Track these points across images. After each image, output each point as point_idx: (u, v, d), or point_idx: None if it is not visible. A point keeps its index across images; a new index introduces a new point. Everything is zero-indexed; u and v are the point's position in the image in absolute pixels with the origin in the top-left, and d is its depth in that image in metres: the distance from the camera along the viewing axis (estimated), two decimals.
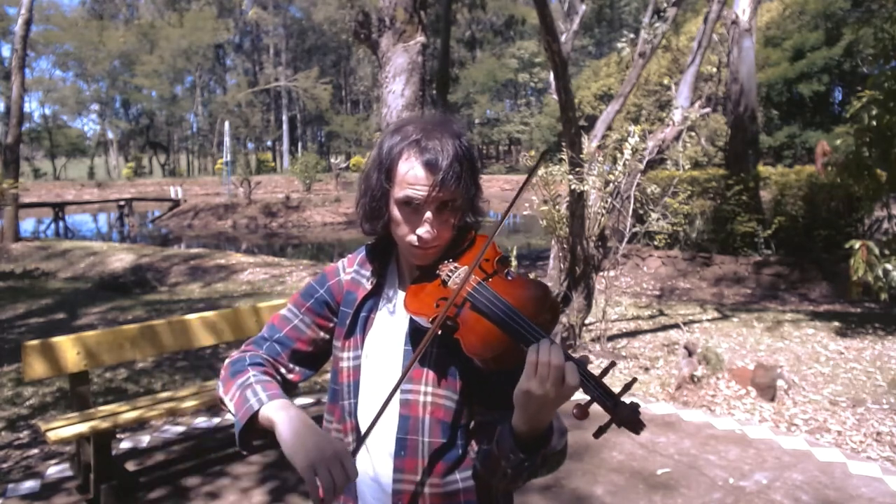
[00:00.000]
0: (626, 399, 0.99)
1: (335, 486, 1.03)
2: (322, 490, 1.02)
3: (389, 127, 1.26)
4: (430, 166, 1.14)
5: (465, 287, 1.13)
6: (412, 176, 1.15)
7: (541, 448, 1.06)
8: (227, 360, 1.32)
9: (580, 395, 1.01)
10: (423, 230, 1.17)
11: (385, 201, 1.20)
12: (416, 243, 1.18)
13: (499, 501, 1.25)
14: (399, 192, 1.17)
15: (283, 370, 1.32)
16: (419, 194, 1.15)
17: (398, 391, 1.19)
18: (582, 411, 0.97)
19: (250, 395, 1.17)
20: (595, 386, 0.99)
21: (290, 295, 8.83)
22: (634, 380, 1.03)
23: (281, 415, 1.11)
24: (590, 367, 1.04)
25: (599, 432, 0.99)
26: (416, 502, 1.19)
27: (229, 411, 1.22)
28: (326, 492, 1.02)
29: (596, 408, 0.99)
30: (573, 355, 1.02)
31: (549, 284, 6.31)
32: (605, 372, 1.02)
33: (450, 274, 1.18)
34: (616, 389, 1.00)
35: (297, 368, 1.34)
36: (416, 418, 1.19)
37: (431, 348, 1.19)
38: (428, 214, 1.16)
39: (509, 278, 1.19)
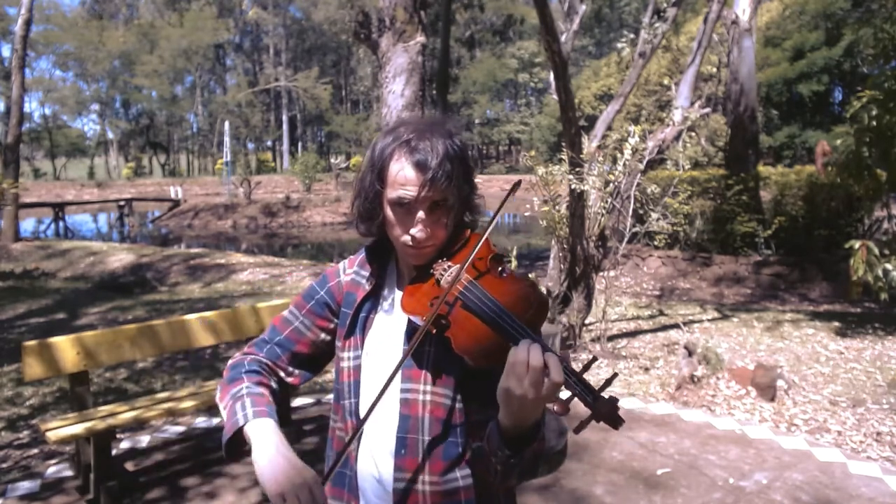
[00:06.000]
0: (606, 394, 0.99)
1: None
2: None
3: (384, 129, 1.27)
4: (420, 166, 1.15)
5: (456, 286, 1.14)
6: (402, 176, 1.16)
7: (526, 446, 1.05)
8: (228, 362, 1.35)
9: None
10: (416, 230, 1.18)
11: (378, 202, 1.21)
12: (410, 243, 1.19)
13: (500, 499, 1.25)
14: (391, 193, 1.18)
15: (282, 373, 1.34)
16: (410, 194, 1.16)
17: (398, 390, 1.21)
18: (563, 406, 0.98)
19: (239, 408, 1.19)
20: (576, 382, 1.00)
21: (290, 295, 8.84)
22: (615, 375, 1.04)
23: (259, 437, 1.14)
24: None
25: (580, 428, 0.99)
26: (418, 500, 1.19)
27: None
28: None
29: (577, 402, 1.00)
30: (555, 351, 1.02)
31: (550, 284, 6.31)
32: (585, 368, 1.02)
33: (443, 273, 1.19)
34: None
35: (296, 371, 1.35)
36: (416, 417, 1.20)
37: (429, 347, 1.20)
38: (420, 214, 1.17)
39: (502, 276, 1.19)
